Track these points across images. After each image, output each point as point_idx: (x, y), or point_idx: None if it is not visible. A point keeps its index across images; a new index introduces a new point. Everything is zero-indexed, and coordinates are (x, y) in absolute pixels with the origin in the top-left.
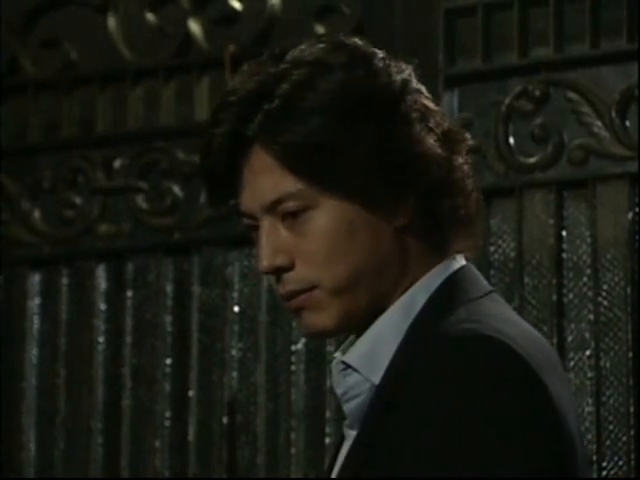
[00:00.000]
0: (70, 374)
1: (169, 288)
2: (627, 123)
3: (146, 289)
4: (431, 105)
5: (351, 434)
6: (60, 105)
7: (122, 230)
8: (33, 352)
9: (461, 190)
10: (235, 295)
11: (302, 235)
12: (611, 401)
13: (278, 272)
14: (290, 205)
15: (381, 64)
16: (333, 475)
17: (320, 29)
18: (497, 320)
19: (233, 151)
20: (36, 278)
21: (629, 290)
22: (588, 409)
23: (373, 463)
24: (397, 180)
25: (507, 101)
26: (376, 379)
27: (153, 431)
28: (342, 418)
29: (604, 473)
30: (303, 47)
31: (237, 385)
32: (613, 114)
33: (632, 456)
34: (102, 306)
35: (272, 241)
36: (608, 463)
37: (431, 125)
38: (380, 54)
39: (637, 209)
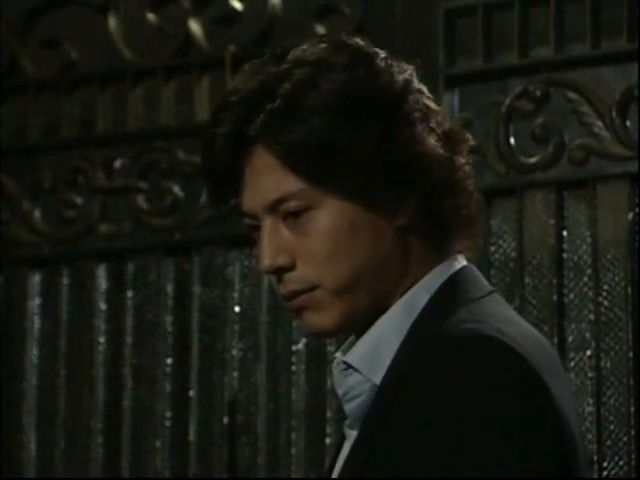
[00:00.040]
0: (70, 374)
1: (169, 288)
2: (627, 123)
3: (146, 289)
4: (432, 105)
5: (352, 434)
6: (60, 105)
7: (122, 230)
8: (33, 352)
9: (463, 190)
10: (235, 295)
11: (303, 235)
12: (611, 401)
13: (279, 272)
14: (292, 205)
15: (383, 64)
16: (334, 475)
17: (320, 29)
18: (498, 320)
19: (235, 151)
20: (36, 278)
21: (629, 290)
22: (589, 409)
23: (374, 463)
24: (399, 180)
25: (507, 101)
26: (377, 379)
27: (153, 431)
28: (343, 418)
29: (605, 473)
30: (305, 47)
31: (237, 385)
32: (613, 114)
33: (633, 456)
34: (102, 306)
35: (273, 241)
36: (609, 463)
37: (433, 125)
38: (382, 54)
39: (637, 209)
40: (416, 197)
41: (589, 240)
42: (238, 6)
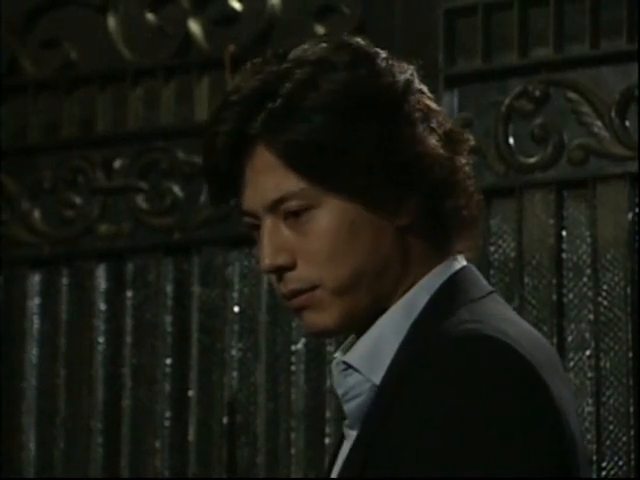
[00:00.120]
0: (70, 374)
1: (169, 288)
2: (627, 123)
3: (146, 289)
4: (433, 105)
5: (351, 434)
6: (60, 105)
7: (122, 230)
8: (33, 352)
9: (463, 191)
10: (235, 295)
11: (304, 234)
12: (611, 401)
13: (280, 271)
14: (292, 204)
15: (384, 64)
16: (333, 475)
17: (320, 29)
18: (498, 320)
19: (236, 150)
20: (36, 278)
21: (629, 290)
22: (588, 409)
23: (374, 463)
24: (400, 180)
25: (507, 101)
26: (377, 379)
27: (153, 431)
28: (342, 418)
29: (604, 473)
30: (306, 46)
31: (237, 385)
32: (613, 114)
33: (632, 456)
34: (102, 306)
35: (274, 240)
36: (608, 463)
37: (433, 125)
38: (383, 54)
39: (637, 209)
40: (417, 197)
41: (589, 240)
42: (238, 6)
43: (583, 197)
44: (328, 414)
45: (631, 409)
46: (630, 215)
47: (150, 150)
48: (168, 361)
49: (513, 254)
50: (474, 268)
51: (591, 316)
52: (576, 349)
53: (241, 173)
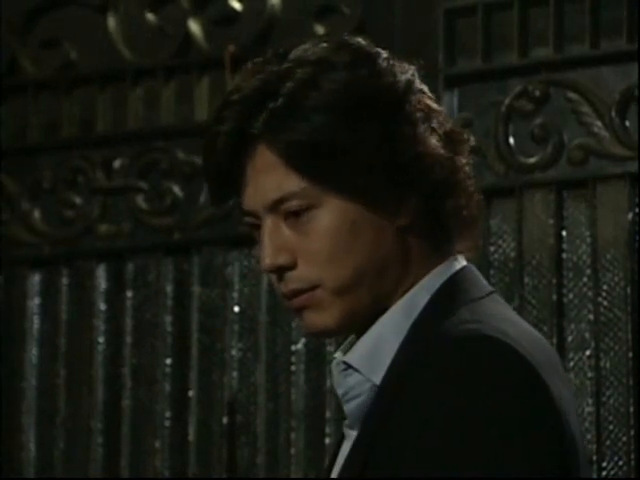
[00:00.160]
0: (70, 374)
1: (169, 288)
2: (627, 123)
3: (146, 289)
4: (434, 105)
5: (351, 434)
6: (60, 105)
7: (122, 230)
8: (33, 352)
9: (463, 191)
10: (235, 295)
11: (305, 234)
12: (611, 401)
13: (280, 271)
14: (293, 204)
15: (385, 64)
16: (333, 475)
17: (320, 29)
18: (498, 320)
19: (237, 149)
20: (36, 278)
21: (629, 290)
22: (588, 409)
23: (374, 463)
24: (400, 180)
25: (507, 101)
26: (377, 379)
27: (153, 431)
28: (342, 418)
29: (604, 473)
30: (307, 46)
31: (237, 385)
32: (613, 114)
33: (632, 456)
34: (102, 306)
35: (274, 240)
36: (608, 463)
37: (434, 125)
38: (384, 54)
39: (637, 209)
40: (417, 197)
41: (589, 240)
42: (237, 6)
43: (583, 197)
44: (328, 414)
45: (631, 409)
46: (630, 215)
47: (150, 150)
48: (168, 361)
49: (513, 254)
50: (474, 268)
51: (591, 316)
52: (576, 349)
53: (242, 173)
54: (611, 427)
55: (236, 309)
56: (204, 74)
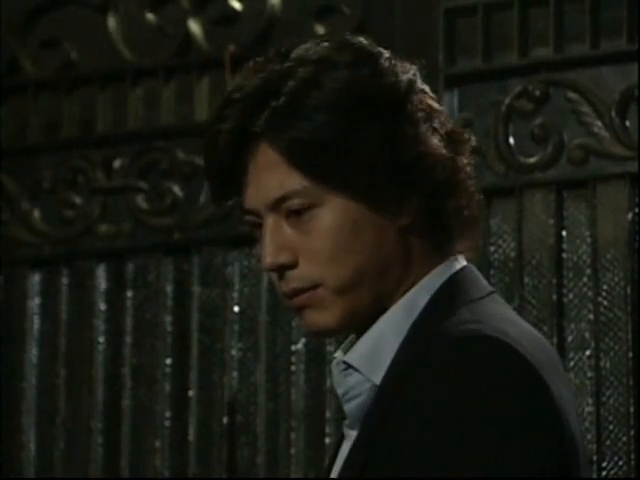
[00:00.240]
0: (70, 374)
1: (169, 288)
2: (627, 123)
3: (146, 289)
4: (436, 105)
5: (351, 434)
6: (60, 105)
7: (122, 230)
8: (33, 352)
9: (464, 191)
10: (235, 295)
11: (306, 233)
12: (611, 401)
13: (281, 270)
14: (295, 203)
15: (387, 64)
16: (332, 475)
17: (320, 29)
18: (498, 320)
19: (238, 147)
20: (36, 278)
21: (629, 290)
22: (588, 409)
23: (374, 463)
24: (402, 180)
25: (507, 101)
26: (377, 379)
27: (153, 431)
28: (342, 418)
29: (604, 473)
30: (308, 45)
31: (237, 385)
32: (613, 114)
33: (632, 456)
34: (102, 306)
35: (276, 238)
36: (608, 463)
37: (436, 125)
38: (386, 54)
39: (637, 209)
40: (419, 197)
41: (589, 240)
42: (237, 6)
43: (583, 197)
44: (328, 414)
45: (631, 409)
46: (630, 215)
47: (150, 150)
48: (168, 361)
49: (513, 254)
50: (474, 268)
51: (591, 316)
52: (576, 349)
53: (243, 171)
54: (611, 427)
55: (236, 309)
56: (204, 74)
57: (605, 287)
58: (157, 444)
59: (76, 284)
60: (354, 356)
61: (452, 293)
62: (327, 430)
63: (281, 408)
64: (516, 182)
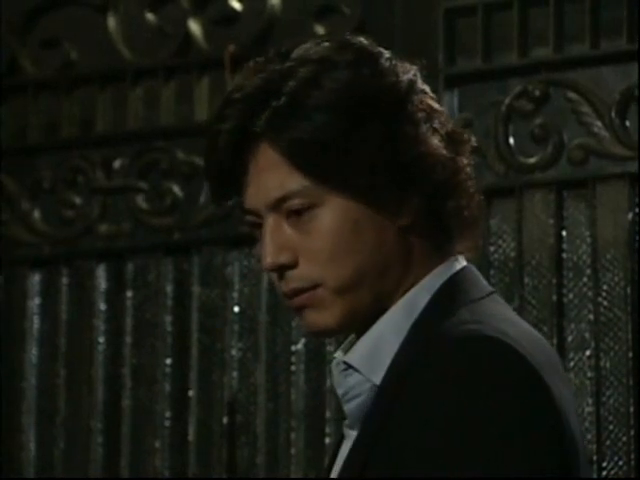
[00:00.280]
0: (70, 374)
1: (169, 288)
2: (627, 123)
3: (146, 289)
4: (436, 106)
5: (351, 434)
6: (60, 105)
7: (122, 230)
8: (33, 352)
9: (465, 191)
10: (235, 295)
11: (306, 233)
12: (611, 401)
13: (281, 270)
14: (295, 203)
15: (387, 64)
16: (332, 475)
17: (320, 29)
18: (498, 321)
19: (239, 147)
20: (36, 278)
21: (629, 290)
22: (588, 409)
23: (374, 463)
24: (402, 180)
25: (507, 101)
26: (377, 379)
27: (153, 431)
28: (342, 418)
29: (604, 473)
30: (309, 45)
31: (237, 385)
32: (613, 114)
33: (632, 456)
34: (102, 306)
35: (276, 238)
36: (608, 463)
37: (436, 126)
38: (386, 54)
39: (637, 209)
40: (419, 197)
41: (589, 240)
42: (237, 6)
43: (583, 197)
44: (328, 414)
45: (631, 409)
46: (630, 215)
47: (150, 150)
48: (168, 361)
49: (513, 254)
50: (474, 268)
51: (591, 316)
52: (576, 349)
53: (243, 171)
54: (611, 427)
55: (236, 309)
56: (204, 74)
57: (605, 287)
58: (157, 444)
59: (76, 284)
60: (354, 356)
61: (452, 293)
62: (327, 430)
63: (281, 408)
64: (516, 182)
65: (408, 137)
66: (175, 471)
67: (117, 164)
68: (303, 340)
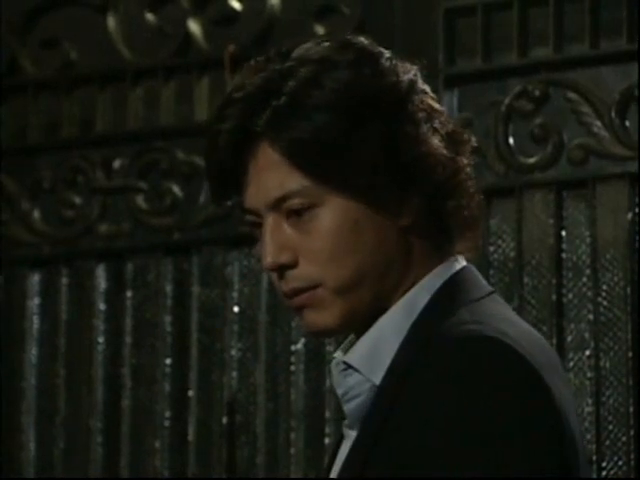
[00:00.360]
0: (70, 374)
1: (169, 288)
2: (627, 123)
3: (146, 289)
4: (436, 106)
5: (351, 434)
6: (60, 105)
7: (122, 230)
8: (33, 352)
9: (465, 191)
10: (235, 295)
11: (307, 233)
12: (611, 401)
13: (282, 269)
14: (295, 202)
15: (388, 64)
16: (332, 475)
17: (320, 29)
18: (498, 321)
19: (239, 147)
20: (36, 278)
21: (629, 290)
22: (588, 409)
23: (375, 463)
24: (402, 180)
25: (507, 101)
26: (377, 379)
27: (153, 431)
28: (342, 418)
29: (604, 473)
30: (309, 45)
31: (237, 385)
32: (613, 114)
33: (632, 456)
34: (102, 306)
35: (276, 238)
36: (608, 463)
37: (437, 126)
38: (387, 54)
39: (637, 209)
40: (419, 197)
41: (588, 240)
42: (237, 6)
43: (583, 197)
44: (328, 414)
45: (631, 409)
46: (630, 215)
47: (150, 150)
48: (168, 361)
49: (513, 254)
50: (474, 268)
51: (591, 316)
52: (576, 349)
53: (243, 171)
54: (611, 427)
55: (236, 309)
56: (204, 74)
57: (605, 287)
58: (157, 444)
59: (76, 284)
60: (354, 356)
61: (452, 293)
62: (327, 430)
63: (281, 408)
64: (516, 182)
65: (408, 137)
66: (175, 471)
67: (117, 164)
68: (303, 340)
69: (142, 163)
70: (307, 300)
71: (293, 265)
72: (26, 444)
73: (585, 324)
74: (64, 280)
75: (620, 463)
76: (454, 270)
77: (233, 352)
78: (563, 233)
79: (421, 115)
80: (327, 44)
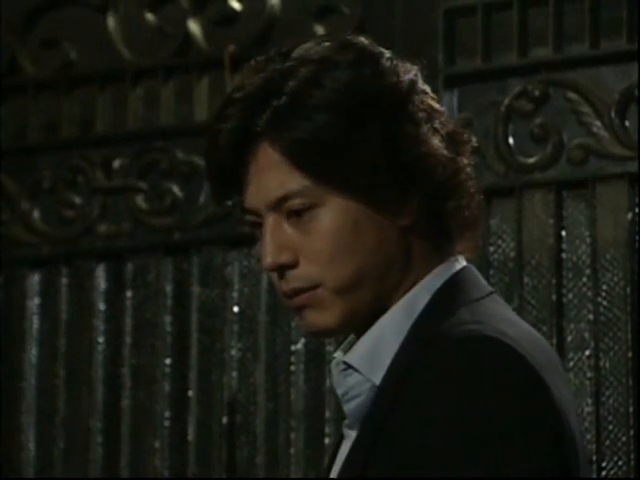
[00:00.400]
0: (70, 374)
1: (169, 288)
2: (627, 123)
3: (146, 289)
4: (437, 106)
5: (351, 434)
6: (60, 105)
7: (122, 230)
8: (33, 352)
9: (465, 191)
10: (235, 295)
11: (307, 233)
12: (610, 401)
13: (282, 269)
14: (295, 203)
15: (388, 64)
16: (332, 475)
17: (320, 29)
18: (498, 321)
19: (239, 147)
20: (36, 278)
21: (629, 290)
22: (587, 409)
23: (375, 463)
24: (403, 180)
25: (507, 101)
26: (377, 379)
27: (153, 431)
28: (342, 418)
29: (604, 473)
30: (310, 45)
31: (237, 385)
32: (613, 114)
33: (632, 456)
34: (102, 306)
35: (276, 238)
36: (608, 463)
37: (437, 126)
38: (387, 54)
39: (637, 209)
40: (419, 197)
41: (588, 240)
42: (237, 6)
43: (583, 197)
44: (328, 414)
45: (631, 409)
46: (630, 215)
47: (150, 150)
48: (168, 361)
49: (513, 254)
50: (474, 268)
51: (591, 316)
52: (576, 349)
53: (244, 171)
54: (611, 427)
55: (236, 309)
56: (204, 74)
57: (605, 287)
58: (157, 444)
59: (75, 284)
60: (354, 356)
61: (452, 293)
62: (327, 430)
63: (280, 408)
64: (516, 182)
65: (409, 137)
66: (175, 471)
67: (117, 164)
68: (303, 340)
69: (142, 163)
70: (307, 300)
71: (293, 265)
72: (26, 444)
73: (585, 324)
74: (64, 280)
75: (620, 463)
76: (454, 270)
77: (233, 352)
78: (563, 233)
79: (421, 115)
80: (327, 44)
